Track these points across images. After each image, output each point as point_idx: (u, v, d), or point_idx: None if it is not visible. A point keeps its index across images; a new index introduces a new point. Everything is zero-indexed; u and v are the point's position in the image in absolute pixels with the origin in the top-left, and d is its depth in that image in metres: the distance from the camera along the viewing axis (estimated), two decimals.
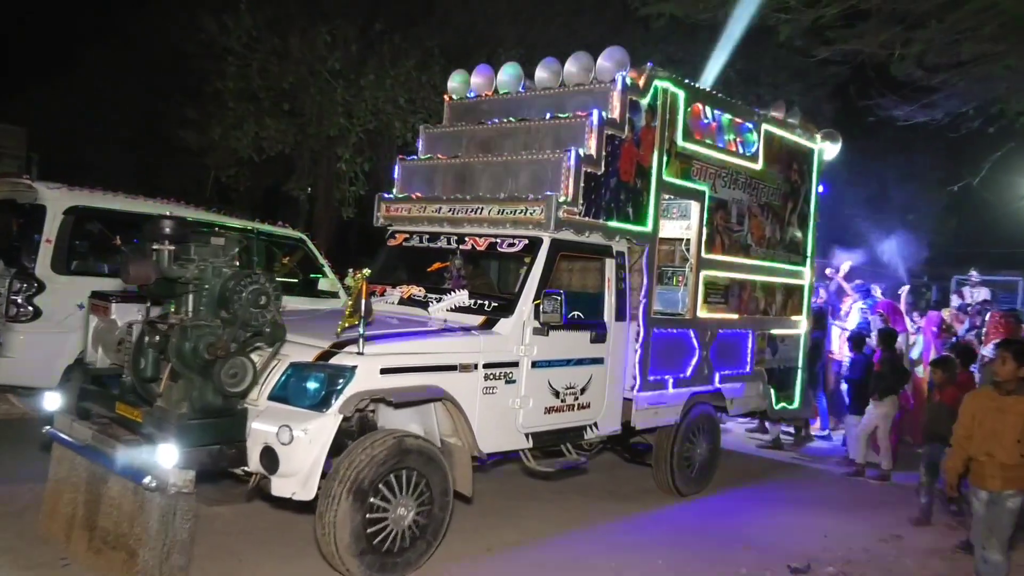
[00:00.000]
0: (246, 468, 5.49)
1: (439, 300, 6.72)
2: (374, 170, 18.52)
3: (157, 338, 5.35)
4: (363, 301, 5.50)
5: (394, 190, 7.84)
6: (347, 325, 5.63)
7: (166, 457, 4.92)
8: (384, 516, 5.50)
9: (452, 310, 6.61)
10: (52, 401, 5.94)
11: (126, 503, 5.19)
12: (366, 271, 5.63)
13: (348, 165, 19.05)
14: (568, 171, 6.60)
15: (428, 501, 5.72)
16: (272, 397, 5.58)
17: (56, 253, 8.14)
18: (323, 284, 10.28)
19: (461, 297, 6.65)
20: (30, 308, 8.02)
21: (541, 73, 7.52)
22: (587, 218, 6.78)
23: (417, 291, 6.99)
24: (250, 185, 20.50)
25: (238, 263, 5.62)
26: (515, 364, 6.39)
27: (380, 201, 7.73)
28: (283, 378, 5.62)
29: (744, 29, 14.51)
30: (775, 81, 19.71)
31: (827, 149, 9.58)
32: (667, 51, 18.77)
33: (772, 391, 9.01)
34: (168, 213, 8.81)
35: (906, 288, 13.10)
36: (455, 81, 8.14)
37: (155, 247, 5.18)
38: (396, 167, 7.92)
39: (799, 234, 9.37)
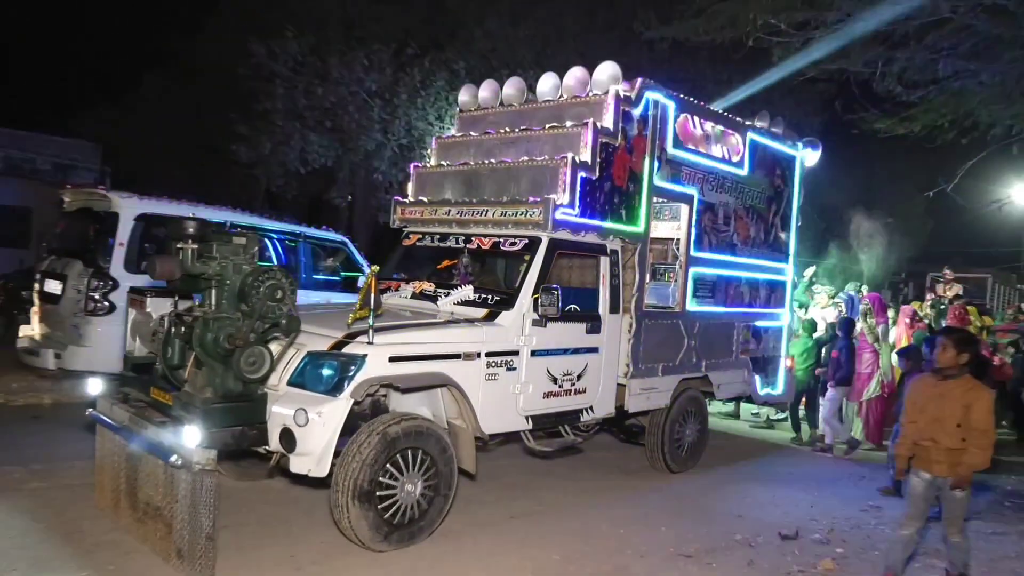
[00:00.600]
0: (268, 447, 5.37)
1: (447, 295, 6.56)
2: (407, 180, 18.45)
3: (183, 329, 5.24)
4: (372, 295, 5.36)
5: (409, 194, 7.67)
6: (358, 317, 5.48)
7: (190, 438, 4.81)
8: (395, 499, 5.40)
9: (459, 304, 6.45)
10: (95, 386, 5.83)
11: (159, 479, 5.10)
12: (375, 267, 5.48)
13: (384, 176, 19.04)
14: (565, 176, 6.40)
15: (431, 465, 5.57)
16: (291, 383, 5.47)
17: (128, 254, 8.22)
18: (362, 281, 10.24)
19: (466, 292, 6.49)
20: (106, 303, 8.11)
21: (542, 86, 7.31)
22: (583, 219, 6.57)
23: (428, 286, 6.82)
24: (296, 194, 20.51)
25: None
26: (515, 353, 6.21)
27: (396, 204, 7.57)
28: (301, 365, 5.49)
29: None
30: (769, 97, 19.41)
31: (808, 156, 9.31)
32: (670, 71, 18.52)
33: (756, 377, 8.76)
34: (227, 219, 8.98)
35: (864, 287, 12.66)
36: (465, 95, 7.96)
37: (179, 246, 5.07)
38: (411, 173, 7.76)
39: (782, 234, 9.09)
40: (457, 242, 6.98)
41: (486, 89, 7.73)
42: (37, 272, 8.93)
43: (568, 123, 6.76)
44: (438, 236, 7.18)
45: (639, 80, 7.05)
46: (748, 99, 18.18)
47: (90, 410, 5.77)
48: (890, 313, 12.26)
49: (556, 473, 7.82)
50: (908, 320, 11.73)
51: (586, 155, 6.55)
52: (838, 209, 20.38)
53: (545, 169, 6.55)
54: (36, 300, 8.85)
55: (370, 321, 5.36)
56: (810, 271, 13.06)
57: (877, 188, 21.48)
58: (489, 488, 7.09)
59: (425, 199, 7.39)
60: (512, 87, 7.53)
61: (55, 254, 8.89)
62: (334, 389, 5.28)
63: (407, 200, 7.52)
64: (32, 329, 8.81)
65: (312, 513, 6.17)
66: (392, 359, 5.45)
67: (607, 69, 6.91)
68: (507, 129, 7.21)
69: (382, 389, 5.71)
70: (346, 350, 5.39)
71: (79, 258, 8.39)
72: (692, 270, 7.76)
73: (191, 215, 8.02)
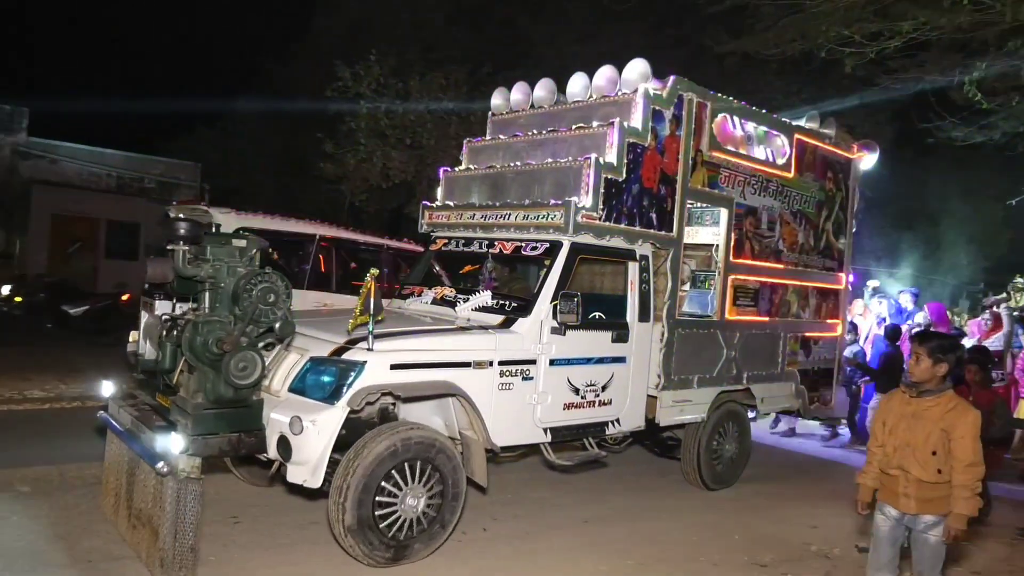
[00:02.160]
0: (267, 455, 4.91)
1: (466, 300, 6.00)
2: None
3: (175, 332, 4.82)
4: (372, 300, 4.83)
5: (438, 199, 7.14)
6: (358, 323, 4.96)
7: (175, 444, 4.40)
8: (403, 519, 4.91)
9: (476, 310, 5.88)
10: (107, 388, 5.49)
11: (151, 485, 4.70)
12: (374, 271, 4.94)
13: None
14: (588, 177, 5.75)
15: (423, 467, 4.97)
16: (292, 389, 5.01)
17: None
18: None
19: (484, 297, 5.92)
20: None
21: (572, 87, 6.69)
22: (607, 223, 5.90)
23: (449, 292, 6.28)
24: (378, 207, 20.46)
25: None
26: (532, 362, 5.57)
27: (424, 209, 7.03)
28: (302, 371, 5.02)
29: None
30: (839, 107, 18.27)
31: (864, 159, 8.33)
32: (739, 84, 17.70)
33: (805, 391, 7.85)
34: (317, 232, 9.00)
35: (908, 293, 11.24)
36: (497, 98, 7.39)
37: (170, 247, 4.66)
38: (440, 178, 7.23)
39: (835, 241, 8.15)
40: (481, 247, 6.42)
41: (518, 92, 7.16)
42: (146, 282, 8.88)
43: (594, 123, 6.12)
44: (463, 241, 6.63)
45: (671, 78, 6.36)
46: (816, 107, 17.17)
47: (101, 412, 5.44)
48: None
49: (626, 479, 7.44)
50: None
51: (612, 156, 5.90)
52: (913, 219, 19.00)
53: (568, 171, 5.92)
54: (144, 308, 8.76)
55: (370, 327, 4.84)
56: (873, 283, 11.92)
57: (953, 197, 19.89)
58: (562, 492, 6.87)
59: (451, 203, 6.84)
60: (543, 89, 6.95)
61: None
62: (331, 396, 4.79)
63: (434, 204, 6.98)
64: (140, 334, 8.71)
65: None
66: (394, 366, 4.93)
67: (636, 67, 6.26)
68: (535, 131, 6.62)
69: (392, 397, 5.19)
70: (345, 356, 4.90)
71: None
72: (731, 277, 6.95)
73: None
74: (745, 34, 15.41)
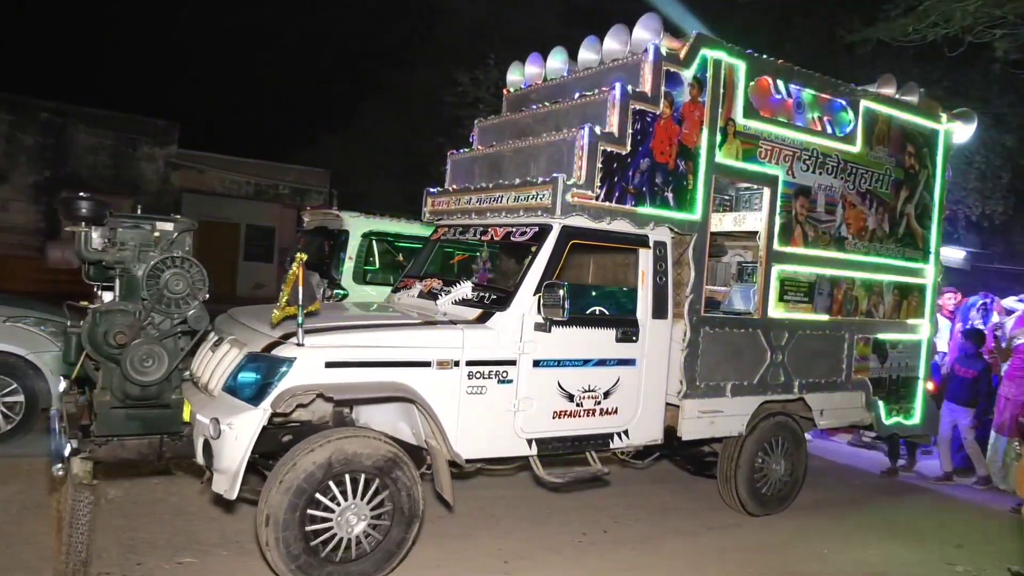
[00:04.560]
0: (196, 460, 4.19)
1: (448, 293, 5.05)
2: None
3: (81, 323, 4.16)
4: (300, 289, 3.99)
5: (446, 184, 6.21)
6: (284, 316, 4.13)
7: (67, 447, 3.74)
8: (341, 539, 4.08)
9: (456, 303, 4.91)
10: (62, 384, 4.95)
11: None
12: (302, 256, 4.09)
13: None
14: (581, 151, 4.66)
15: (366, 482, 4.11)
16: (224, 388, 4.22)
17: (356, 267, 8.12)
18: None
19: (464, 290, 4.94)
20: None
21: (583, 54, 5.61)
22: (607, 203, 4.77)
23: (436, 284, 5.33)
24: None
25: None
26: (511, 362, 4.56)
27: (426, 196, 6.12)
28: (236, 369, 4.23)
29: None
30: (985, 95, 15.79)
31: (957, 130, 6.61)
32: (871, 74, 15.71)
33: (881, 403, 6.30)
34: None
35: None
36: (513, 74, 6.40)
37: (69, 228, 4.00)
38: (447, 163, 6.30)
39: (918, 226, 6.50)
40: (475, 234, 5.44)
41: (531, 64, 6.14)
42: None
43: (595, 90, 5.00)
44: (460, 228, 5.66)
45: (692, 34, 5.15)
46: (960, 97, 15.02)
47: (52, 408, 4.90)
48: None
49: None
50: None
51: (612, 126, 4.77)
52: None
53: (562, 144, 4.85)
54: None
55: (298, 319, 4.00)
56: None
57: None
58: (684, 497, 6.35)
59: (451, 188, 5.89)
60: (556, 59, 5.89)
61: None
62: (256, 397, 3.99)
63: (436, 191, 6.05)
64: None
65: (517, 508, 5.73)
66: (330, 364, 4.07)
67: (648, 24, 5.09)
68: (543, 105, 5.56)
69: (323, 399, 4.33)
70: (275, 352, 4.08)
71: (316, 271, 8.27)
72: (777, 268, 5.58)
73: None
74: (879, 20, 13.86)
